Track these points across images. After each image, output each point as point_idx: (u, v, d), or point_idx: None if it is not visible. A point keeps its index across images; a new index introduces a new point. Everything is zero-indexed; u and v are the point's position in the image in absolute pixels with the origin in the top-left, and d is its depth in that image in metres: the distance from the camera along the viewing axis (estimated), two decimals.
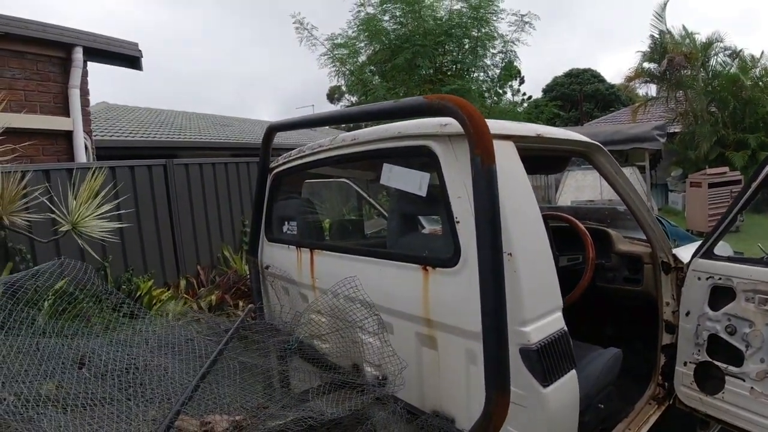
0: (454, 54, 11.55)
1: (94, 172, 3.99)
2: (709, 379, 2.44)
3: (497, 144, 1.67)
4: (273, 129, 2.76)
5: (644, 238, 2.85)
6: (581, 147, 2.27)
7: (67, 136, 6.37)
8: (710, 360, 2.41)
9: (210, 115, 19.25)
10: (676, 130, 15.54)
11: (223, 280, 6.60)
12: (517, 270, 1.55)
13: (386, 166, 2.00)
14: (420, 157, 1.85)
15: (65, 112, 6.31)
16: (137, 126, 12.94)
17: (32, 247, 4.97)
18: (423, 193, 1.84)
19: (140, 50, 7.08)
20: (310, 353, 2.56)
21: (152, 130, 12.74)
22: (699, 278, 2.48)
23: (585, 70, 32.22)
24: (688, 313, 2.53)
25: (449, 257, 1.71)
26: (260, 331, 2.10)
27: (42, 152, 6.10)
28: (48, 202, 4.05)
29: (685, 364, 2.55)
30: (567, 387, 1.65)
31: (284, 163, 2.94)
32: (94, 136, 10.34)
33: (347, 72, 12.07)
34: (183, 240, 6.76)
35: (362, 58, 12.12)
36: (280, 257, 2.99)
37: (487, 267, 1.32)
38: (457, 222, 1.67)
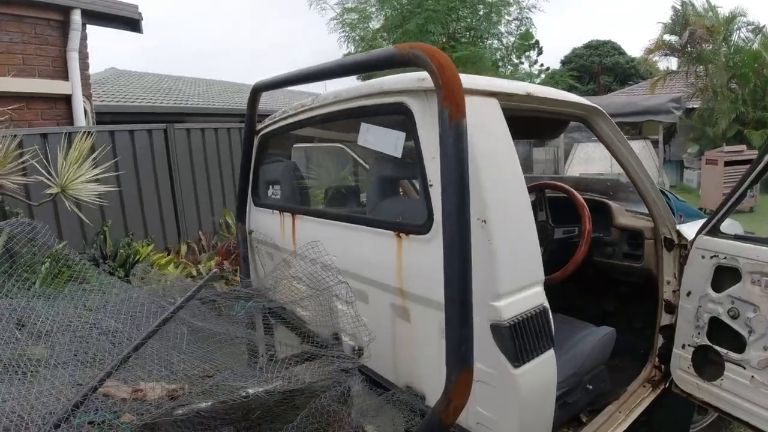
0: (468, 20, 11.17)
1: (83, 135, 3.88)
2: (707, 364, 2.31)
3: (480, 101, 1.53)
4: (258, 89, 2.63)
5: (647, 212, 2.71)
6: (578, 110, 2.11)
7: (67, 100, 6.27)
8: (710, 344, 2.28)
9: (219, 81, 19.03)
10: (695, 106, 15.09)
11: (223, 246, 6.55)
12: (492, 239, 1.42)
13: (363, 126, 1.86)
14: (396, 115, 1.71)
15: (64, 75, 6.20)
16: (145, 92, 12.81)
17: (30, 211, 4.93)
18: (398, 153, 1.70)
19: (140, 12, 6.91)
20: (290, 321, 2.51)
21: (160, 96, 12.61)
22: (702, 257, 2.33)
23: (605, 42, 31.34)
24: (689, 294, 2.40)
25: (422, 224, 1.59)
26: (229, 296, 2.00)
27: (41, 116, 6.04)
28: (38, 165, 3.98)
29: (683, 346, 2.42)
30: (542, 368, 1.53)
31: (270, 125, 2.82)
32: (101, 101, 10.30)
33: (357, 38, 11.76)
34: (184, 205, 6.72)
35: (373, 23, 11.79)
36: (265, 222, 2.90)
37: (450, 232, 1.19)
38: (431, 185, 1.53)
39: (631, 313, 3.22)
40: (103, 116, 8.86)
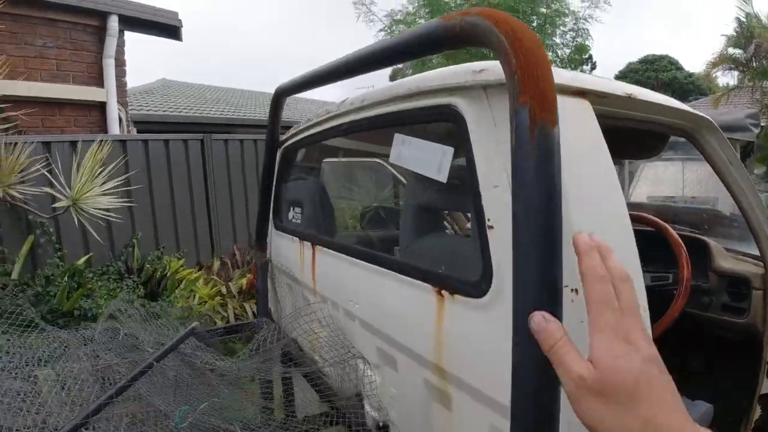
0: None
1: (99, 144, 3.60)
2: None
3: (565, 102, 1.04)
4: (281, 93, 2.22)
5: (754, 254, 2.12)
6: (686, 121, 1.58)
7: (101, 107, 6.12)
8: None
9: (268, 93, 19.06)
10: (762, 124, 13.92)
11: (256, 263, 6.21)
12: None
13: (397, 138, 1.39)
14: (442, 123, 1.24)
15: (99, 82, 6.05)
16: (191, 102, 12.85)
17: (56, 221, 4.73)
18: (442, 177, 1.21)
19: (180, 20, 6.73)
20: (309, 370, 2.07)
21: (206, 107, 12.60)
22: None
23: (662, 57, 30.04)
24: None
25: (475, 281, 1.08)
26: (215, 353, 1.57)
27: (74, 123, 5.90)
28: (49, 176, 3.72)
29: None
30: None
31: (293, 135, 2.40)
32: (148, 110, 10.31)
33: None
34: (219, 219, 6.45)
35: (420, 21, 11.42)
36: (286, 249, 2.48)
37: (526, 303, 0.70)
38: (490, 227, 1.03)
39: (723, 376, 2.60)
40: (145, 125, 8.80)
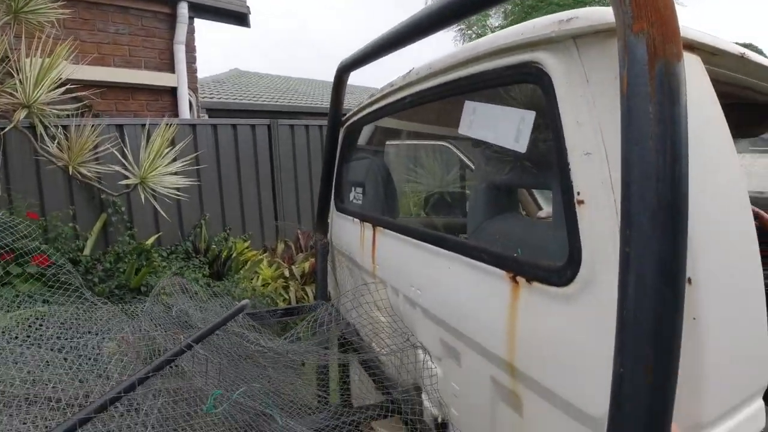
0: None
1: (165, 126, 3.65)
2: None
3: None
4: (344, 69, 2.12)
5: None
6: None
7: (172, 92, 6.28)
8: None
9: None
10: None
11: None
12: (701, 314, 0.73)
13: (468, 105, 1.24)
14: (522, 84, 1.07)
15: (170, 68, 6.21)
16: (261, 90, 13.14)
17: (128, 200, 4.93)
18: (521, 147, 1.05)
19: (248, 6, 6.81)
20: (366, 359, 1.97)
21: (276, 95, 12.83)
22: None
23: (745, 45, 27.43)
24: None
25: (559, 267, 0.92)
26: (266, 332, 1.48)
27: (146, 108, 6.10)
28: (118, 155, 3.83)
29: None
30: None
31: (356, 113, 2.30)
32: (220, 98, 10.62)
33: (474, 36, 11.07)
34: (284, 203, 6.53)
35: (491, 21, 11.03)
36: (346, 231, 2.40)
37: (633, 291, 0.54)
38: (581, 202, 0.87)
39: None
40: (214, 112, 9.05)
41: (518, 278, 1.02)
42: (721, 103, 1.06)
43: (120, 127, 4.71)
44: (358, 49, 1.95)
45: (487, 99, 1.20)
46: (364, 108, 2.17)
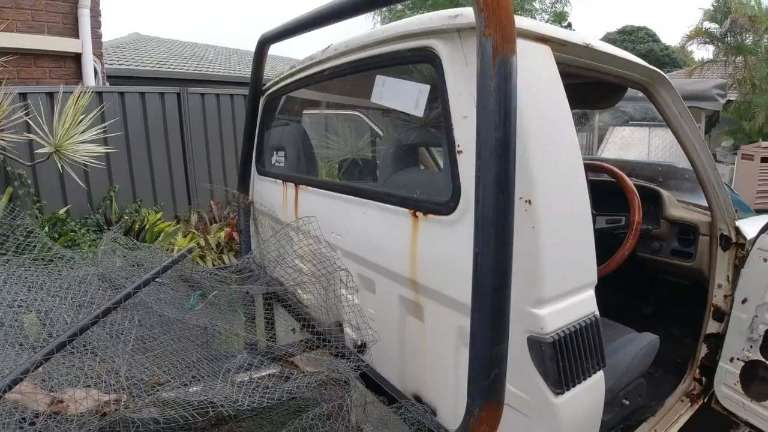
0: None
1: (79, 94, 3.60)
2: (757, 382, 1.97)
3: (529, 47, 1.18)
4: (265, 41, 2.30)
5: (703, 204, 2.32)
6: (641, 74, 1.75)
7: (76, 58, 5.99)
8: (763, 360, 1.93)
9: (245, 50, 18.58)
10: (732, 98, 14.36)
11: (234, 217, 6.29)
12: (537, 225, 1.08)
13: (378, 79, 1.52)
14: (420, 64, 1.37)
15: (74, 33, 5.91)
16: (164, 57, 12.52)
17: (34, 172, 4.73)
18: (419, 112, 1.36)
19: None
20: (291, 304, 2.22)
21: (180, 62, 12.31)
22: (765, 259, 1.97)
23: (640, 28, 30.38)
24: (744, 300, 2.03)
25: (445, 201, 1.25)
26: (209, 277, 1.70)
27: (49, 75, 5.79)
28: (32, 123, 3.71)
29: (731, 360, 2.07)
30: (589, 395, 1.19)
31: (276, 83, 2.49)
32: (120, 64, 10.06)
33: (384, 10, 11.34)
34: (196, 174, 6.47)
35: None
36: (268, 193, 2.61)
37: (485, 213, 0.86)
38: (459, 152, 1.19)
39: (672, 317, 2.86)
40: (117, 80, 8.61)
41: (417, 213, 1.35)
42: (577, 82, 1.42)
43: (24, 96, 4.50)
44: (280, 24, 2.15)
45: (394, 74, 1.49)
46: (284, 78, 2.37)
